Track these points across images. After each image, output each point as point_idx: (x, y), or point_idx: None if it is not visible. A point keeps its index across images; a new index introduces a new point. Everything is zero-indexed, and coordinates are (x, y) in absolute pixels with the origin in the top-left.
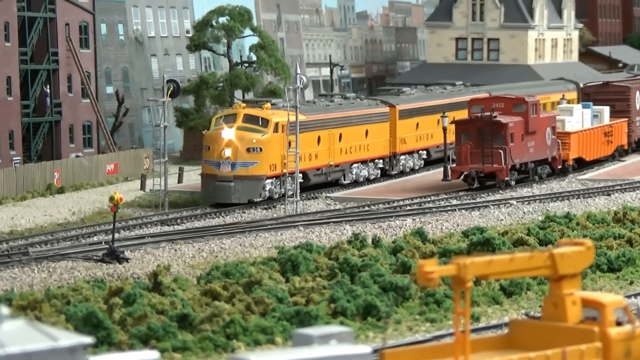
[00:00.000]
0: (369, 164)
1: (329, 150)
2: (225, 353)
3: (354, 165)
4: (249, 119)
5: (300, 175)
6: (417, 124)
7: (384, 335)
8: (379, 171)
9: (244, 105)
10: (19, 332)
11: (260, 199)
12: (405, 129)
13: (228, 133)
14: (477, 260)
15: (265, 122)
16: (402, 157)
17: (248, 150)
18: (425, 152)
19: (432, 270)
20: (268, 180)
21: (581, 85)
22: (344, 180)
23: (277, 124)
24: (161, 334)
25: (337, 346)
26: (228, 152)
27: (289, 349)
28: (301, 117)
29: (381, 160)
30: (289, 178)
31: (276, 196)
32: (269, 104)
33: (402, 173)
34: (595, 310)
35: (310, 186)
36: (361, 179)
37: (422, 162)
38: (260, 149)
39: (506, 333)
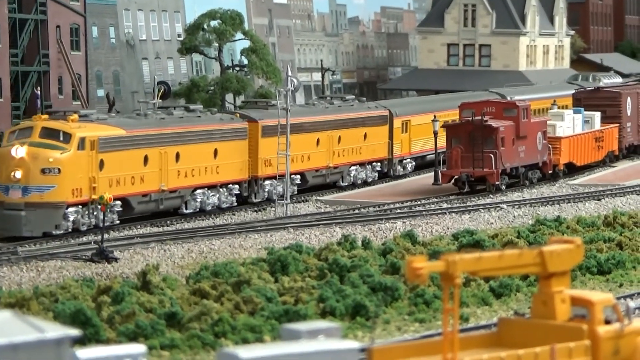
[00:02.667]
0: (220, 189)
1: (160, 173)
2: (214, 351)
3: (198, 190)
4: (48, 133)
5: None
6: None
7: (372, 334)
8: (234, 198)
9: (45, 116)
10: (5, 324)
11: (62, 232)
12: (271, 148)
13: (18, 151)
14: (466, 257)
15: (67, 137)
16: (267, 182)
17: (43, 171)
18: (299, 176)
19: (421, 267)
20: (71, 209)
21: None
22: (185, 209)
23: (83, 140)
24: (149, 331)
25: (325, 341)
26: (18, 174)
27: (278, 343)
28: (120, 132)
29: (237, 185)
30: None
31: (83, 228)
32: (76, 115)
33: (268, 201)
34: (584, 309)
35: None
36: (209, 207)
37: (296, 188)
38: (59, 170)
39: (495, 331)
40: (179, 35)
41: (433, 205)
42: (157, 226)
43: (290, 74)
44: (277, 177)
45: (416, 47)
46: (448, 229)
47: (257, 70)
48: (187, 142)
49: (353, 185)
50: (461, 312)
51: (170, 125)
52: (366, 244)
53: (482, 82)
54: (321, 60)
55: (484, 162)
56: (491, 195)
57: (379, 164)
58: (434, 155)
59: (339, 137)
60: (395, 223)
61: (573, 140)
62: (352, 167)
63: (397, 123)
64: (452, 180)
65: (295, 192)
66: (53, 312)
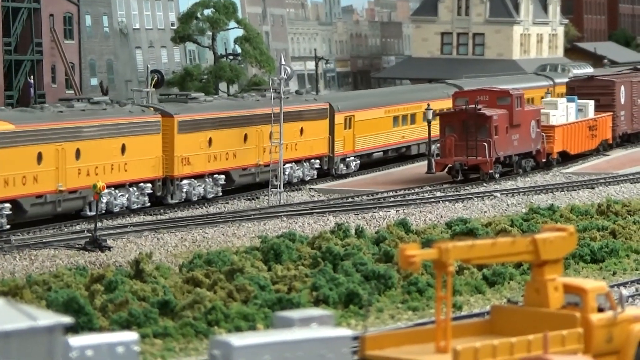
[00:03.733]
0: (130, 188)
1: (57, 172)
2: (207, 339)
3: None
4: None
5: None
6: (211, 139)
7: (365, 322)
8: (147, 198)
9: None
10: None
11: None
12: (190, 145)
13: None
14: (459, 245)
15: None
16: (185, 181)
17: None
18: (223, 175)
19: (414, 254)
20: None
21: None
22: (88, 211)
23: None
24: (142, 320)
25: (318, 329)
26: None
27: (270, 331)
28: (8, 127)
29: (149, 184)
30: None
31: None
32: None
33: (204, 199)
34: (577, 296)
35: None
36: (117, 209)
37: (220, 189)
38: None
39: (488, 319)
40: (172, 24)
41: (427, 194)
42: (151, 215)
43: (283, 62)
44: (206, 175)
45: (410, 36)
46: (442, 217)
47: (251, 59)
48: (89, 138)
49: (289, 185)
50: (454, 300)
51: (68, 119)
52: (359, 233)
53: (476, 70)
54: (315, 49)
55: (478, 151)
56: (485, 184)
57: (318, 161)
58: (381, 153)
59: (271, 132)
60: (389, 212)
61: (567, 129)
62: (287, 165)
63: (339, 118)
64: (446, 169)
65: (220, 194)
66: (46, 300)
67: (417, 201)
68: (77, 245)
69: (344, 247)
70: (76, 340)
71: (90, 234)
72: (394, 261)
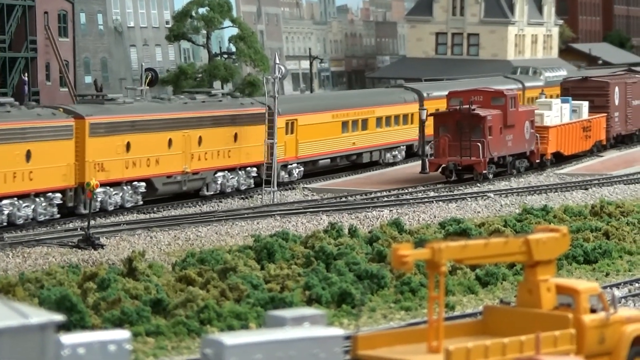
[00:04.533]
0: (36, 199)
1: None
2: (199, 338)
3: (4, 201)
4: None
5: None
6: (129, 143)
7: (357, 322)
8: (56, 209)
9: None
10: None
11: None
12: (105, 150)
13: None
14: (452, 245)
15: None
16: (99, 189)
17: None
18: (144, 183)
19: (407, 254)
20: None
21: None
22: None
23: None
24: (135, 318)
25: (310, 328)
26: None
27: (262, 330)
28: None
29: (59, 194)
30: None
31: None
32: None
33: (122, 208)
34: (569, 297)
35: None
36: (20, 221)
37: (140, 197)
38: None
39: (480, 319)
40: (167, 22)
41: (420, 194)
42: (144, 213)
43: (277, 61)
44: (124, 183)
45: (404, 36)
46: (435, 217)
47: (245, 58)
48: None
49: (221, 194)
50: (447, 301)
51: None
52: (353, 232)
53: (470, 71)
54: (309, 49)
55: (472, 151)
56: (478, 184)
57: (255, 169)
58: (329, 160)
59: (200, 137)
60: (382, 211)
61: (561, 130)
62: (219, 173)
63: (279, 122)
64: (440, 169)
65: (140, 203)
66: (38, 298)
67: (411, 201)
68: (70, 243)
69: (337, 246)
70: (68, 338)
71: (83, 232)
72: (387, 261)
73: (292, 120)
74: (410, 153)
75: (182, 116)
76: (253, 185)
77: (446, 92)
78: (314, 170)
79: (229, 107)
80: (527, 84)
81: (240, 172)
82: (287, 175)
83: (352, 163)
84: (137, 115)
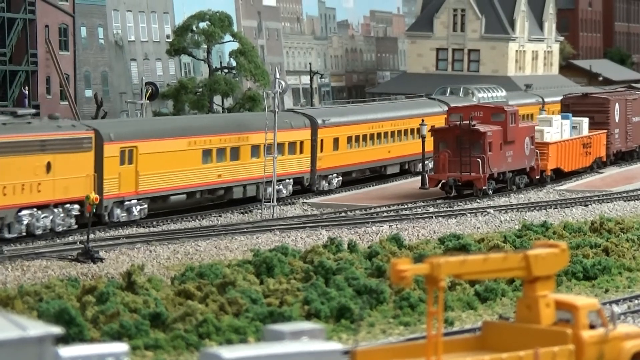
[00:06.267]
0: None
1: None
2: (197, 352)
3: None
4: None
5: None
6: None
7: (356, 336)
8: None
9: None
10: None
11: None
12: None
13: None
14: (451, 260)
15: None
16: None
17: None
18: None
19: (406, 269)
20: None
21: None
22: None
23: None
24: (133, 331)
25: (308, 342)
26: None
27: (261, 344)
28: None
29: None
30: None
31: None
32: None
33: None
34: (568, 313)
35: None
36: None
37: None
38: None
39: (479, 334)
40: (167, 37)
41: (420, 209)
42: (143, 227)
43: (278, 76)
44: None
45: (405, 51)
46: (434, 233)
47: (246, 73)
48: None
49: (25, 236)
50: (446, 316)
51: None
52: (352, 247)
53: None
54: (310, 64)
55: (472, 167)
56: (478, 200)
57: (77, 206)
58: (184, 195)
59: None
60: (382, 226)
61: (561, 146)
62: (24, 212)
63: (112, 150)
64: (440, 185)
65: None
66: (37, 311)
67: (410, 216)
68: (69, 257)
69: (336, 261)
70: (66, 351)
71: (82, 246)
72: (386, 276)
73: (131, 148)
74: (301, 189)
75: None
76: (75, 225)
77: (348, 119)
78: (165, 208)
79: (39, 131)
80: (455, 107)
81: (56, 210)
82: (125, 214)
83: (219, 198)
84: None
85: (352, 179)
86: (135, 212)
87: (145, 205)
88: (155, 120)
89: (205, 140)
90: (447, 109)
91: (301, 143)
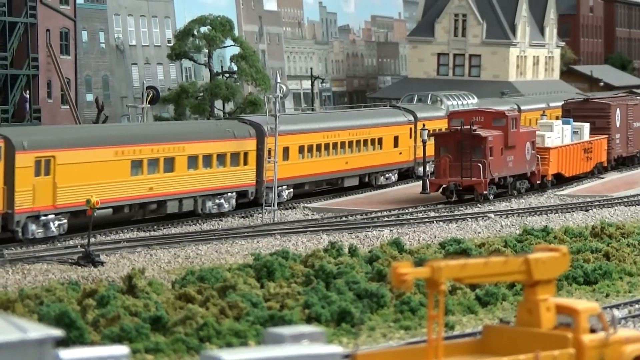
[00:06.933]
0: None
1: None
2: (198, 355)
3: None
4: None
5: None
6: None
7: (356, 340)
8: None
9: None
10: None
11: None
12: None
13: None
14: (452, 263)
15: None
16: None
17: None
18: None
19: (406, 272)
20: None
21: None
22: None
23: None
24: (134, 335)
25: (309, 346)
26: None
27: (261, 347)
28: None
29: None
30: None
31: None
32: None
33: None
34: (569, 317)
35: None
36: None
37: None
38: None
39: (480, 338)
40: (168, 41)
41: (420, 214)
42: (144, 231)
43: (279, 80)
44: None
45: (406, 56)
46: (435, 237)
47: (247, 77)
48: None
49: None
50: (447, 320)
51: None
52: (353, 252)
53: (472, 92)
54: (311, 68)
55: (472, 172)
56: (479, 205)
57: None
58: (110, 209)
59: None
60: (382, 231)
61: (562, 151)
62: None
63: (24, 160)
64: (440, 189)
65: None
66: (38, 314)
67: (411, 221)
68: (70, 260)
69: (337, 265)
70: (66, 354)
71: (83, 249)
72: (387, 280)
73: (47, 157)
74: (246, 202)
75: None
76: None
77: (299, 127)
78: (79, 224)
79: None
80: (421, 115)
81: None
82: (41, 230)
83: (151, 212)
84: None
85: (305, 191)
86: (53, 228)
87: (65, 221)
88: (77, 128)
89: (134, 150)
90: (412, 118)
91: (245, 154)
